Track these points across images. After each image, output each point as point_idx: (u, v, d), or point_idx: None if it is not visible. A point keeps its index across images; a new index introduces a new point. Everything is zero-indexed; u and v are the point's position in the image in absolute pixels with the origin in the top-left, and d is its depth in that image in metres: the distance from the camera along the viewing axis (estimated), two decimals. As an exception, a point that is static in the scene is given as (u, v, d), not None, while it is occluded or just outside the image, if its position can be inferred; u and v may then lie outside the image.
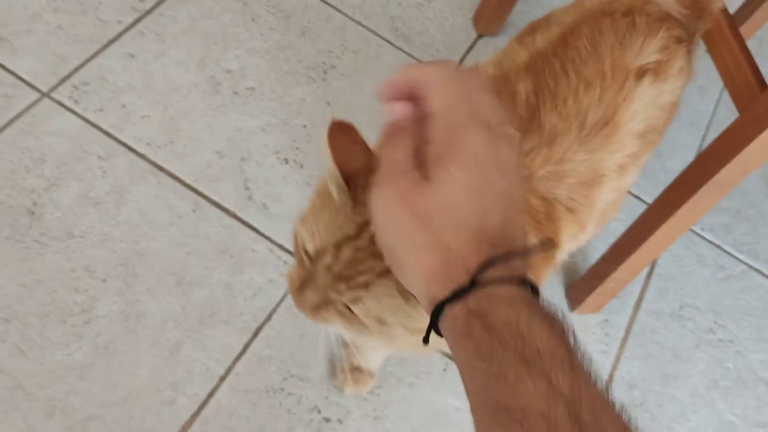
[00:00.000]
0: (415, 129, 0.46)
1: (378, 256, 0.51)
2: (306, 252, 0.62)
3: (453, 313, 0.42)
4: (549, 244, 0.75)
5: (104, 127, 1.18)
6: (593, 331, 1.20)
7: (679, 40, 0.87)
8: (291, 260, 1.12)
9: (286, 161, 1.22)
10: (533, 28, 0.94)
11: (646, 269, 1.28)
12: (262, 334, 1.07)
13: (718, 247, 1.36)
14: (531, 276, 0.44)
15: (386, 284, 0.58)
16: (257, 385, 1.03)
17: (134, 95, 1.23)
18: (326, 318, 0.64)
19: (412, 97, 0.47)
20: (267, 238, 1.14)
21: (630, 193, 1.32)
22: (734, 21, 0.91)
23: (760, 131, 0.82)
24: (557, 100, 0.81)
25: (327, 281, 0.60)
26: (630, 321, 1.23)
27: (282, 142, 1.24)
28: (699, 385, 1.20)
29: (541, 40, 0.89)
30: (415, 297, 0.47)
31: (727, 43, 0.90)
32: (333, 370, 1.06)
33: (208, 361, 1.03)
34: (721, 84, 0.99)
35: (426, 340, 0.46)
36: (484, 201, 0.43)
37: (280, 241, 1.14)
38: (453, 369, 1.10)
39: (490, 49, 1.46)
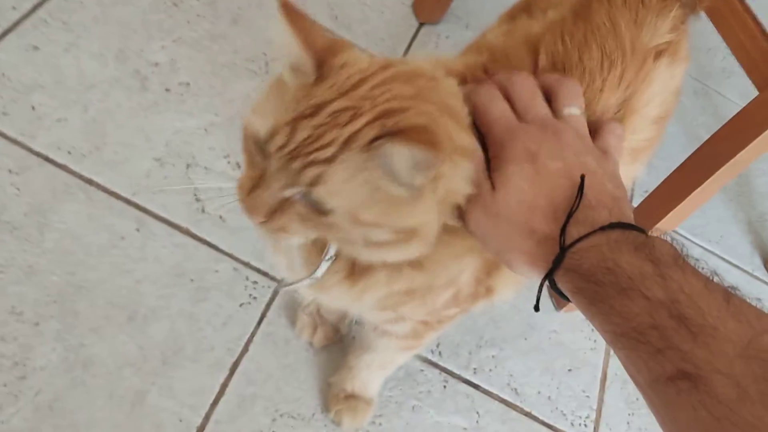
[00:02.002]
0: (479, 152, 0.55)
1: (341, 126, 0.50)
2: (257, 144, 0.53)
3: (560, 279, 0.50)
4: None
5: (11, 134, 0.96)
6: (581, 328, 1.14)
7: (683, 21, 0.83)
8: (262, 280, 0.96)
9: (239, 165, 1.05)
10: (529, 4, 0.86)
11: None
12: (240, 370, 0.90)
13: (675, 231, 1.35)
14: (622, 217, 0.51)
15: (353, 153, 0.49)
16: (243, 431, 0.87)
17: (44, 95, 1.01)
18: (285, 227, 0.53)
19: None
20: (229, 255, 0.98)
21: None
22: (743, -6, 0.87)
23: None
24: (589, 76, 0.73)
25: (281, 165, 0.51)
26: (612, 314, 1.18)
27: (230, 143, 1.07)
28: (684, 373, 1.17)
29: (554, 14, 0.81)
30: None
31: (738, 16, 0.86)
32: (327, 402, 0.92)
33: (180, 410, 0.85)
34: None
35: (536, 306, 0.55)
36: (543, 182, 0.52)
37: (245, 258, 0.98)
38: (453, 385, 1.00)
39: (433, 38, 1.37)
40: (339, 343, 0.96)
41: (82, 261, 0.90)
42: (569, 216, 0.51)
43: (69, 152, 0.97)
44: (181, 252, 0.95)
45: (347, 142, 0.50)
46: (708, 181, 0.89)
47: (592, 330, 1.14)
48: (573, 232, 0.50)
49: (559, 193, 0.52)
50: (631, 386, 1.09)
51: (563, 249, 0.50)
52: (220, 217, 1.00)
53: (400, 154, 0.48)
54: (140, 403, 0.84)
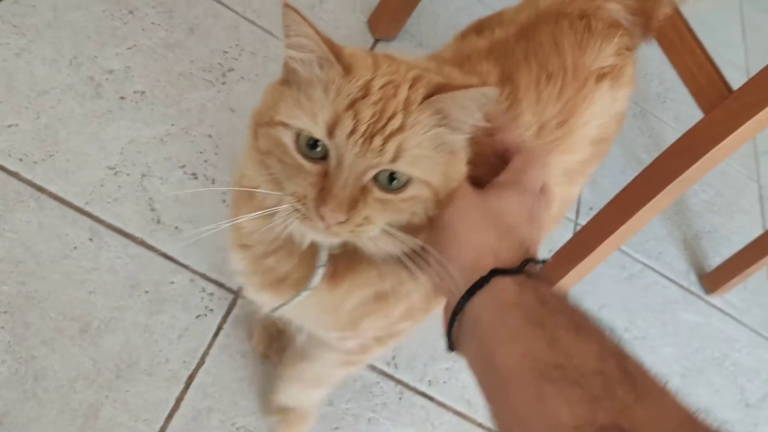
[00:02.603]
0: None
1: (394, 96, 0.52)
2: (308, 148, 0.52)
3: (500, 285, 0.48)
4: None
5: (-42, 138, 0.93)
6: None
7: (629, 48, 0.87)
8: (218, 292, 0.96)
9: (195, 176, 1.04)
10: (481, 25, 0.89)
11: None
12: (196, 383, 0.89)
13: (618, 248, 1.41)
14: None
15: (418, 112, 0.52)
16: (199, 445, 0.86)
17: (-7, 99, 0.98)
18: (370, 216, 0.53)
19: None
20: (185, 266, 0.97)
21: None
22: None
23: (732, 130, 0.84)
24: (524, 86, 0.75)
25: (357, 150, 0.51)
26: (559, 327, 1.22)
27: (186, 154, 1.06)
28: (625, 384, 1.22)
29: (500, 33, 0.84)
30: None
31: (687, 44, 0.92)
32: (266, 412, 0.91)
33: (134, 424, 0.84)
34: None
35: (453, 318, 0.51)
36: (530, 222, 0.55)
37: (201, 269, 0.97)
38: (409, 397, 1.01)
39: (388, 55, 1.39)
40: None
41: (33, 271, 0.88)
42: (535, 259, 0.52)
43: (20, 159, 0.95)
44: (135, 263, 0.94)
45: (406, 107, 0.52)
46: (658, 196, 0.93)
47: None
48: (531, 267, 0.51)
49: (533, 237, 0.54)
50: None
51: (525, 264, 0.50)
52: (176, 227, 0.99)
53: (458, 98, 0.52)
54: (93, 416, 0.82)
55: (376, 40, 1.40)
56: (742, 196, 1.72)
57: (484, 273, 0.50)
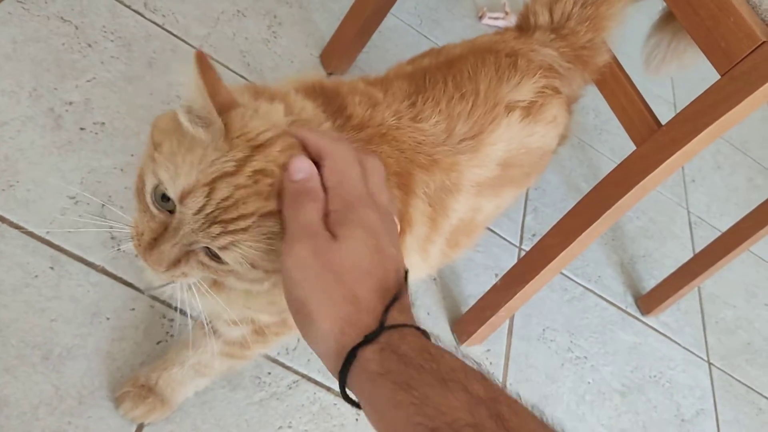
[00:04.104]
0: (322, 193, 0.54)
1: (262, 195, 0.54)
2: (161, 198, 0.56)
3: (366, 356, 0.47)
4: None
5: None
6: (480, 361, 1.22)
7: (557, 90, 0.95)
8: (178, 318, 0.98)
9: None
10: (423, 56, 0.97)
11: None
12: (158, 407, 0.91)
13: (560, 272, 1.48)
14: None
15: (269, 225, 0.54)
16: (161, 469, 0.87)
17: (-48, 130, 0.99)
18: (187, 273, 0.58)
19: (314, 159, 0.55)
20: (144, 292, 0.98)
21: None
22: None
23: (662, 161, 0.92)
24: (432, 99, 0.82)
25: (195, 227, 0.54)
26: (507, 348, 1.28)
27: (146, 184, 1.08)
28: (570, 402, 1.28)
29: (428, 61, 0.92)
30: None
31: (619, 83, 1.00)
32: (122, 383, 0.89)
33: (97, 449, 0.85)
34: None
35: (344, 395, 0.50)
36: (383, 259, 0.51)
37: (161, 297, 0.99)
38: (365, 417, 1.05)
39: (340, 89, 1.44)
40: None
41: (-6, 299, 0.89)
42: (395, 298, 0.50)
43: (-21, 189, 0.96)
44: (96, 290, 0.96)
45: (265, 216, 0.54)
46: (596, 223, 1.00)
47: (491, 363, 1.23)
48: (396, 317, 0.49)
49: (390, 277, 0.51)
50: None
51: (383, 325, 0.48)
52: (137, 255, 1.00)
53: None
54: (56, 443, 0.83)
55: (329, 74, 1.45)
56: (673, 223, 1.83)
57: (346, 353, 0.48)
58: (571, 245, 1.03)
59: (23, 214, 0.97)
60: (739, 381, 1.56)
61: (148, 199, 0.56)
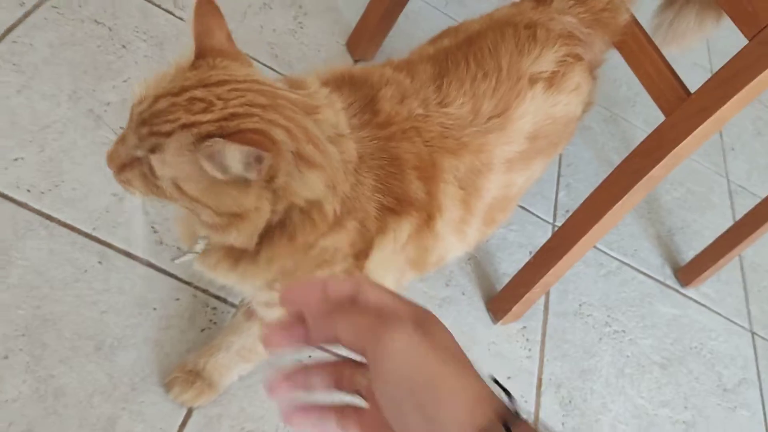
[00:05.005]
0: None
1: (190, 112, 0.60)
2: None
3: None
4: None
5: (-31, 174, 0.98)
6: (516, 338, 1.24)
7: (578, 57, 0.95)
8: (221, 306, 1.02)
9: (193, 198, 1.10)
10: (443, 35, 0.98)
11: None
12: (206, 392, 0.95)
13: (595, 247, 1.48)
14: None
15: (187, 136, 0.60)
16: (212, 450, 0.91)
17: (-1, 135, 1.04)
18: (129, 181, 0.65)
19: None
20: (188, 283, 1.02)
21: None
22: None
23: (692, 129, 0.91)
24: (456, 81, 0.84)
25: (135, 128, 0.62)
26: (544, 325, 1.29)
27: (184, 178, 1.12)
28: (609, 375, 1.29)
29: (448, 42, 0.93)
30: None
31: (645, 51, 0.99)
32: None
33: (150, 433, 0.89)
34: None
35: None
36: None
37: (203, 285, 1.03)
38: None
39: (369, 75, 1.46)
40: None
41: (47, 294, 0.93)
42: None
43: (28, 190, 1.00)
44: (143, 282, 1.00)
45: (186, 126, 0.60)
46: (627, 195, 1.00)
47: (527, 339, 1.25)
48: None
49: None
50: (564, 389, 1.20)
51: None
52: (178, 248, 1.04)
53: (231, 152, 0.58)
54: (112, 428, 0.87)
55: (356, 61, 1.47)
56: (712, 192, 1.81)
57: (500, 417, 0.39)
58: (603, 219, 1.03)
59: (70, 212, 1.01)
60: (785, 350, 1.54)
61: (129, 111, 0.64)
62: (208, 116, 0.60)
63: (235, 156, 0.58)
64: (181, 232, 0.81)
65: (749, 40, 0.86)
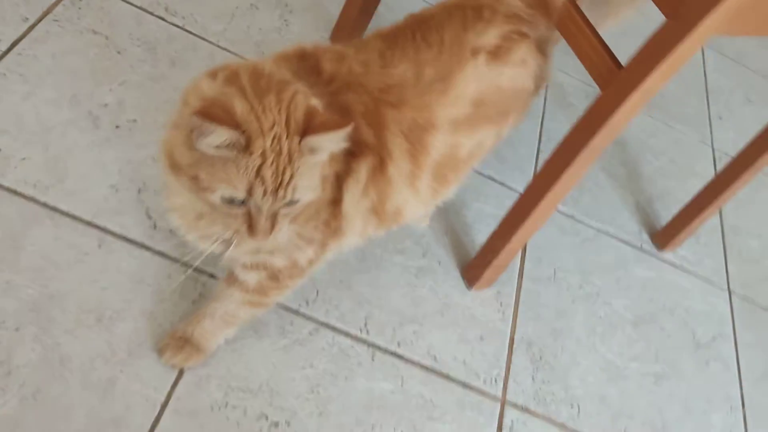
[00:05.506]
0: None
1: (282, 154, 0.73)
2: (230, 202, 0.75)
3: None
4: None
5: (-17, 173, 1.12)
6: (490, 303, 1.33)
7: (524, 35, 1.03)
8: (209, 281, 1.13)
9: (183, 187, 1.22)
10: (402, 20, 1.08)
11: (520, 244, 1.45)
12: (195, 356, 1.07)
13: (572, 217, 1.56)
14: None
15: (297, 157, 0.74)
16: (200, 405, 1.03)
17: (8, 138, 1.17)
18: (281, 227, 0.78)
19: None
20: (179, 261, 1.14)
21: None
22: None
23: (622, 102, 0.99)
24: (401, 51, 0.96)
25: (269, 202, 0.75)
26: (517, 290, 1.38)
27: (175, 168, 1.24)
28: (581, 334, 1.37)
29: (403, 23, 1.04)
30: None
31: (581, 30, 1.07)
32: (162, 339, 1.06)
33: (146, 391, 1.01)
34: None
35: None
36: None
37: (193, 263, 1.15)
38: (380, 357, 1.18)
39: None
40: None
41: (53, 275, 1.06)
42: None
43: (35, 185, 1.13)
44: (138, 262, 1.12)
45: (290, 159, 0.73)
46: (572, 165, 1.09)
47: (501, 303, 1.34)
48: None
49: None
50: (535, 347, 1.30)
51: None
52: (170, 230, 1.17)
53: (320, 138, 0.73)
54: (111, 388, 1.00)
55: (339, 54, 1.57)
56: (695, 161, 1.87)
57: None
58: (556, 186, 1.11)
59: (72, 203, 1.14)
60: (762, 307, 1.60)
61: (225, 207, 0.76)
62: (285, 139, 0.74)
63: (322, 140, 0.75)
64: (178, 221, 0.91)
65: (666, 18, 0.94)
